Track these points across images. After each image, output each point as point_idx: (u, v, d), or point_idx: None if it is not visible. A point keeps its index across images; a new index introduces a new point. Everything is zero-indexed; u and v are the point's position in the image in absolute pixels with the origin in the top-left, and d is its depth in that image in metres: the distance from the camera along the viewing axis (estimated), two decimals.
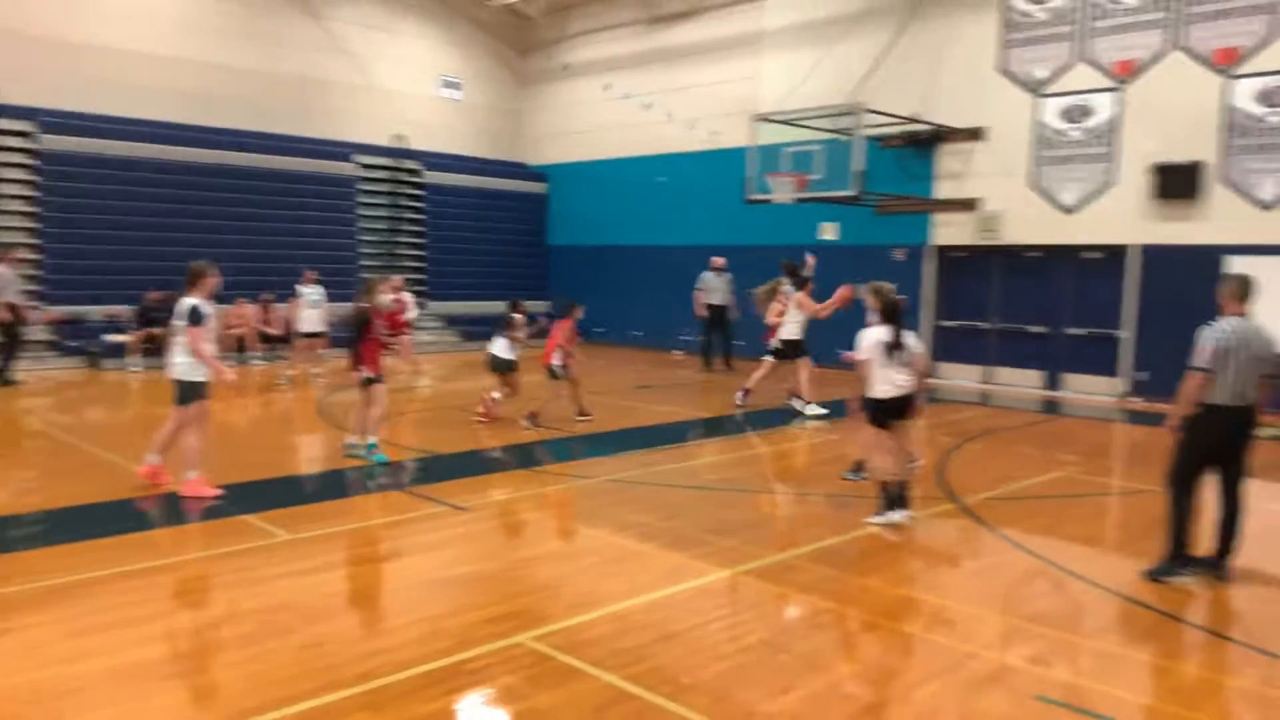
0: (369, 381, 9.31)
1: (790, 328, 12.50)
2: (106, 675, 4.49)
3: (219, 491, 7.84)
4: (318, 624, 5.14)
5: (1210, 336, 6.08)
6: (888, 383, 7.32)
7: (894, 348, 7.28)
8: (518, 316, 11.59)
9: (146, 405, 13.30)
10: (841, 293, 11.67)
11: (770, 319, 12.70)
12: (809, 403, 12.35)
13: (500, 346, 11.47)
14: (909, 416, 7.55)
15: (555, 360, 11.34)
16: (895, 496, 7.39)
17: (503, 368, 11.49)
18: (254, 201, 19.20)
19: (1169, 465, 6.28)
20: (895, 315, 7.41)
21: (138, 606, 5.38)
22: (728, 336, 17.62)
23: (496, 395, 11.49)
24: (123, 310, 16.81)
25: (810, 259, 13.31)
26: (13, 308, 14.05)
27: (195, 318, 7.86)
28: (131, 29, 18.28)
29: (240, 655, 4.74)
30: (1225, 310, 6.36)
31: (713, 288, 17.44)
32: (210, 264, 8.14)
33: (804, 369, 12.42)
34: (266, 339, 17.88)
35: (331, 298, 15.87)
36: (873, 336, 7.36)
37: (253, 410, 13.10)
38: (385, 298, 9.65)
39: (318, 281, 15.54)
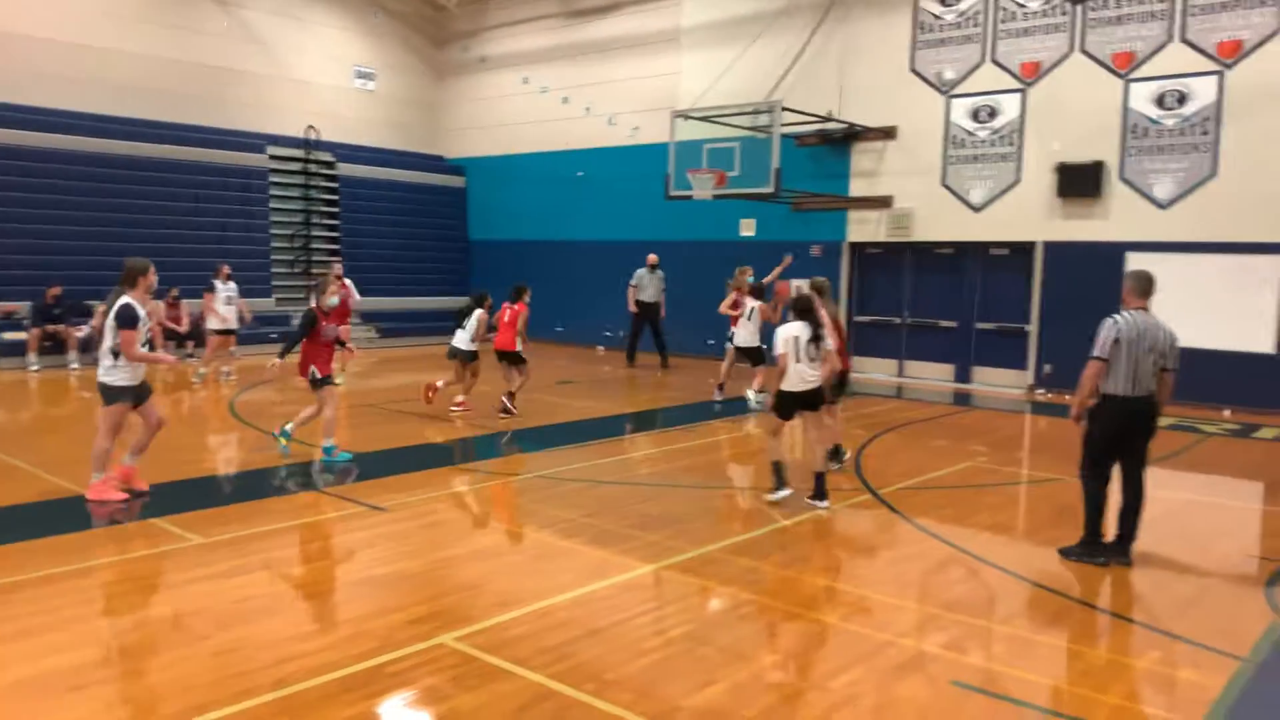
0: (319, 383, 9.11)
1: (748, 335, 12.81)
2: (11, 688, 4.30)
3: (125, 495, 7.57)
4: (232, 629, 5.01)
5: (1109, 327, 6.35)
6: (798, 376, 7.63)
7: (810, 342, 7.58)
8: (482, 312, 11.65)
9: (46, 406, 12.78)
10: (780, 289, 12.03)
11: (722, 309, 13.13)
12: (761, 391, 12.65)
13: (462, 339, 11.57)
14: (818, 409, 7.87)
15: (519, 346, 11.72)
16: (782, 478, 7.87)
17: (465, 357, 11.65)
18: (162, 194, 18.58)
19: (1080, 456, 6.57)
20: (807, 312, 7.67)
21: (44, 615, 5.16)
22: (660, 334, 17.61)
23: (440, 383, 11.79)
24: (19, 306, 16.11)
25: (787, 259, 13.97)
26: None
27: (129, 319, 7.37)
28: (34, 14, 17.49)
29: (152, 663, 4.59)
30: (1127, 304, 6.59)
31: (645, 284, 17.44)
32: (147, 260, 7.79)
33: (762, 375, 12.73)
34: (173, 336, 17.33)
35: (243, 293, 15.48)
36: (786, 332, 7.64)
37: (163, 410, 12.66)
38: (332, 299, 9.45)
39: (230, 277, 14.97)
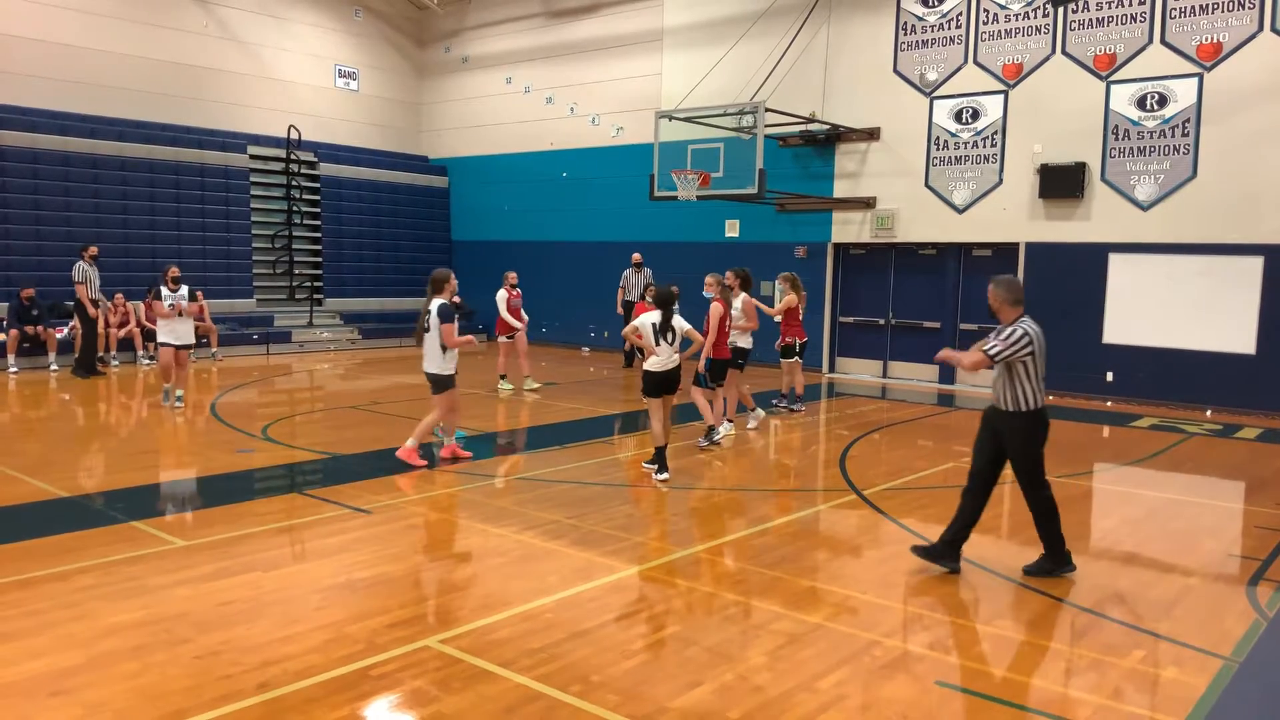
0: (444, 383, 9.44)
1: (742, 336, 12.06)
2: None
3: (424, 463, 8.91)
4: (214, 633, 4.96)
5: (1022, 337, 5.97)
6: (659, 358, 8.91)
7: (663, 329, 8.87)
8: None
9: (25, 408, 12.65)
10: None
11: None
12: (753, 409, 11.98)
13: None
14: (674, 391, 9.10)
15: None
16: (661, 457, 8.81)
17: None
18: (142, 194, 18.47)
19: (1026, 478, 6.20)
20: (665, 303, 8.98)
21: (21, 620, 5.10)
22: None
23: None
24: None
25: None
26: None
27: (449, 315, 8.91)
28: (9, 11, 17.32)
29: (132, 668, 4.54)
30: (1002, 315, 6.18)
31: (632, 284, 17.41)
32: (449, 270, 9.19)
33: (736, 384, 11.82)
34: (153, 337, 17.21)
35: (226, 294, 15.36)
36: (646, 319, 8.97)
37: (141, 411, 12.58)
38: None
39: (181, 280, 12.33)
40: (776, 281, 12.98)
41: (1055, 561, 6.21)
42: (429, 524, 7.40)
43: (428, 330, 8.94)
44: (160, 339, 12.26)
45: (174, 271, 12.29)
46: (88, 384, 14.36)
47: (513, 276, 14.50)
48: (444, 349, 8.91)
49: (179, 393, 12.16)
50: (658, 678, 4.57)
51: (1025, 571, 6.23)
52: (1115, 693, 4.55)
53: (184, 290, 12.12)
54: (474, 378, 14.84)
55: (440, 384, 9.11)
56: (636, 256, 17.62)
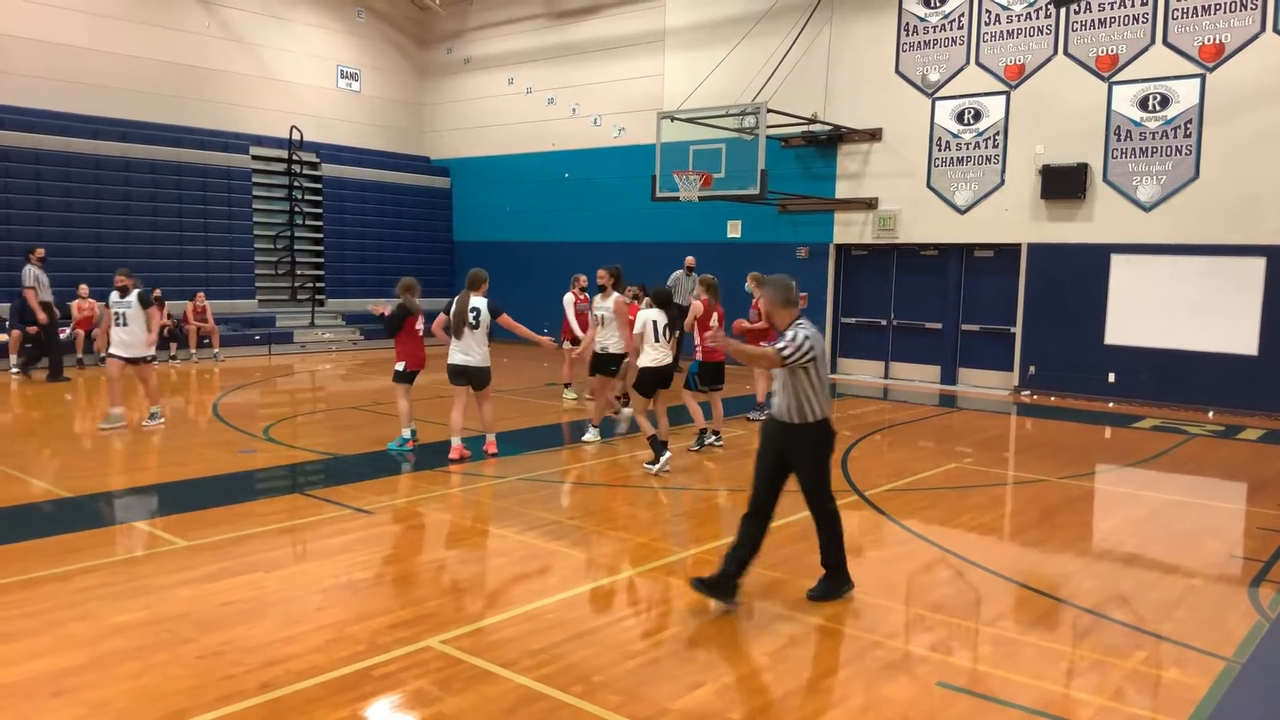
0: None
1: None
2: None
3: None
4: (216, 633, 4.97)
5: (804, 340, 5.42)
6: (656, 355, 9.23)
7: (666, 326, 9.20)
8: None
9: (28, 409, 12.66)
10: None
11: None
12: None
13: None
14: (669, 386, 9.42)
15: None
16: (660, 448, 9.06)
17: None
18: (145, 195, 18.47)
19: (817, 492, 5.66)
20: (665, 303, 9.30)
21: (24, 620, 5.11)
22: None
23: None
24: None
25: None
26: None
27: (498, 310, 9.30)
28: (10, 11, 17.33)
29: (134, 668, 4.55)
30: (773, 319, 5.71)
31: (685, 288, 16.38)
32: (485, 271, 9.38)
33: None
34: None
35: (228, 295, 15.35)
36: (646, 317, 9.16)
37: (141, 411, 12.59)
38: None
39: (130, 288, 10.82)
40: (748, 283, 12.19)
41: (838, 581, 5.75)
42: (430, 525, 7.40)
43: (475, 327, 9.08)
44: (110, 350, 10.91)
45: (119, 279, 10.83)
46: (56, 388, 14.14)
47: (582, 280, 13.41)
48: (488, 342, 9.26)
49: (155, 409, 11.02)
50: (659, 678, 4.57)
51: (809, 596, 5.70)
52: (1117, 694, 4.54)
53: (133, 298, 10.66)
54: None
55: (487, 377, 9.34)
56: (690, 260, 16.70)
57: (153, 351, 11.03)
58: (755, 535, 5.58)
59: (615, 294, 10.62)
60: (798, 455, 5.55)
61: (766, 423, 5.73)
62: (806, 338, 5.39)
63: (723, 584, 5.52)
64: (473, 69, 23.09)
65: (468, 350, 9.18)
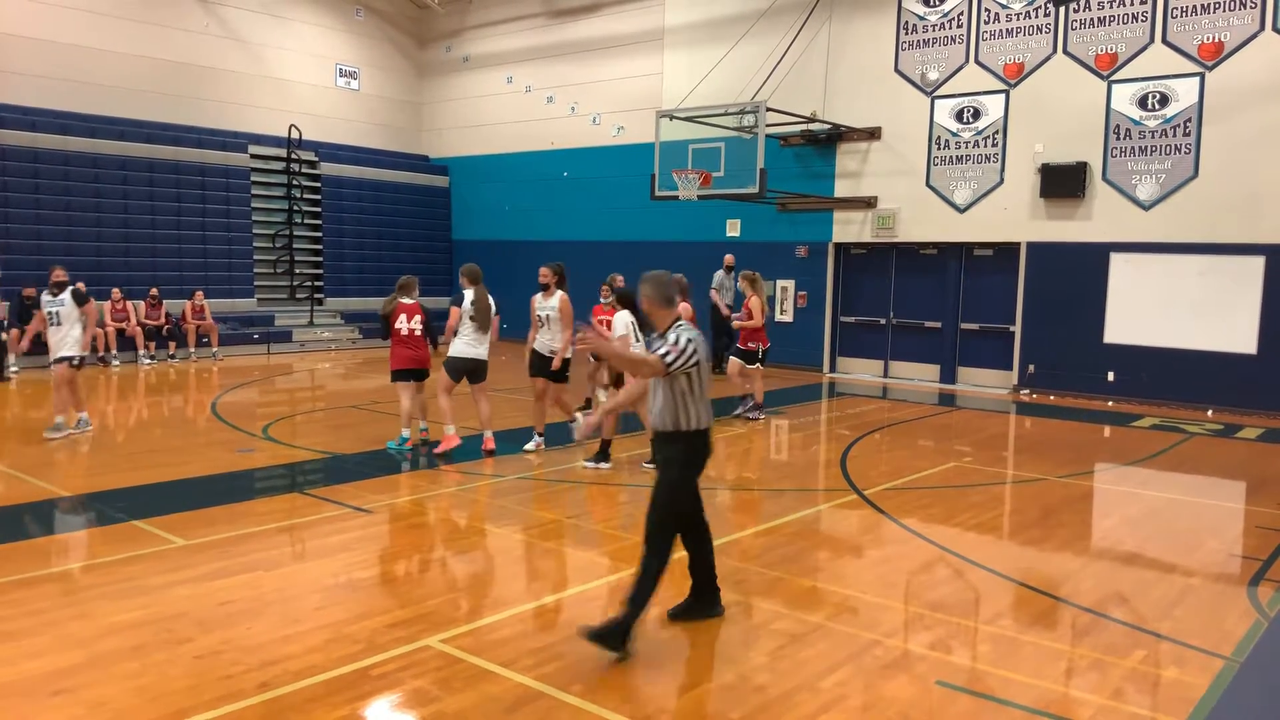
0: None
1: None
2: None
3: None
4: (215, 632, 4.96)
5: (687, 344, 4.92)
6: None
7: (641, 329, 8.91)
8: None
9: (26, 408, 12.64)
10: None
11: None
12: None
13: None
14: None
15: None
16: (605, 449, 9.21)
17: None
18: (143, 193, 18.45)
19: (655, 513, 5.01)
20: (634, 303, 8.81)
21: (23, 619, 5.10)
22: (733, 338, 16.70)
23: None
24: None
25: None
26: None
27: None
28: (9, 11, 17.30)
29: (133, 667, 4.54)
30: (654, 319, 5.15)
31: (726, 288, 16.18)
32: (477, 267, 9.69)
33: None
34: (153, 336, 17.21)
35: (227, 294, 15.33)
36: (626, 319, 8.95)
37: (140, 410, 12.57)
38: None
39: (64, 285, 10.25)
40: (738, 282, 12.06)
41: (705, 603, 5.34)
42: (429, 523, 7.40)
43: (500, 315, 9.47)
44: (62, 353, 10.17)
45: (55, 274, 10.29)
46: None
47: (619, 280, 12.90)
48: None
49: (82, 415, 10.39)
50: (659, 677, 4.57)
51: (670, 616, 5.28)
52: (1116, 693, 4.54)
53: (66, 296, 10.07)
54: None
55: (487, 370, 9.57)
56: (729, 258, 16.44)
57: (84, 353, 10.22)
58: (701, 548, 5.30)
59: (560, 292, 9.84)
60: (660, 465, 5.11)
61: (653, 435, 5.22)
62: (689, 340, 4.91)
63: (697, 607, 5.30)
64: (471, 67, 23.07)
65: (479, 343, 9.33)
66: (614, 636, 4.74)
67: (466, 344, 9.32)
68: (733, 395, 12.81)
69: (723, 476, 9.27)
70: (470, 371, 9.40)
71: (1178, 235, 13.85)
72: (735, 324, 12.07)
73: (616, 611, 4.85)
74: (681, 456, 5.01)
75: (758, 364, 12.13)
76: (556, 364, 9.60)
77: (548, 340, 9.74)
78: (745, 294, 12.09)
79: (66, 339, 10.06)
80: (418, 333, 9.71)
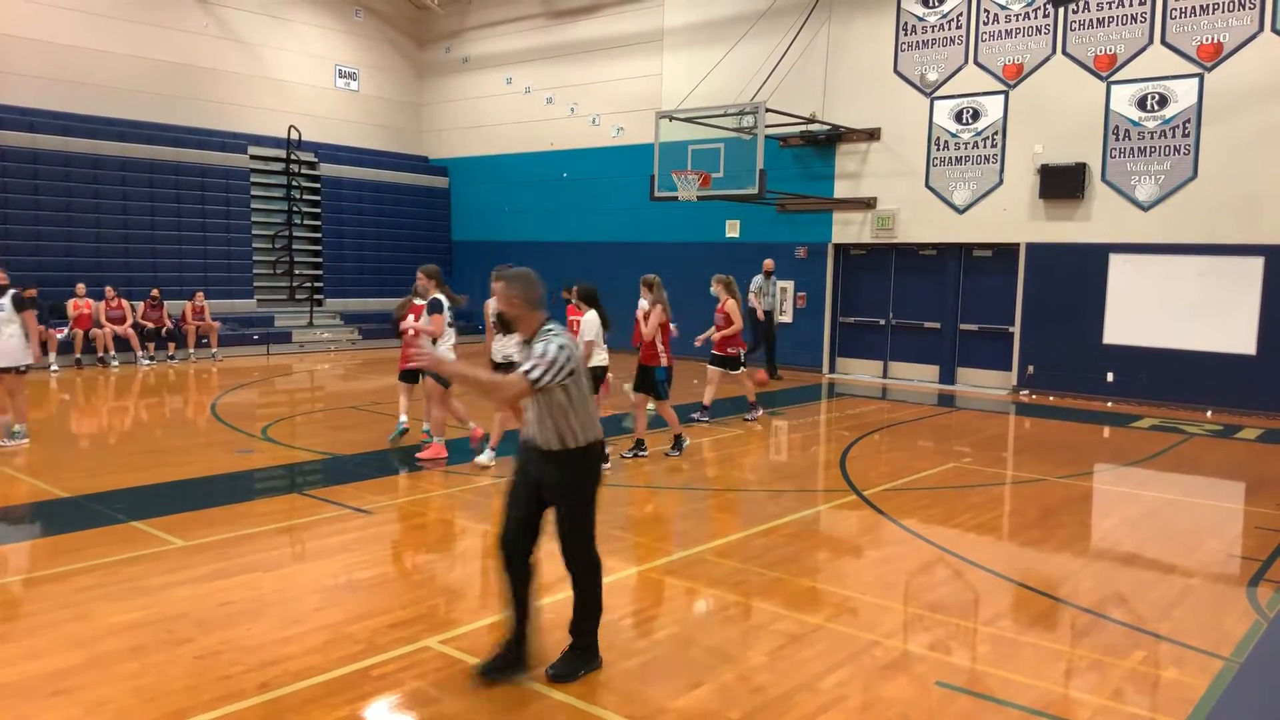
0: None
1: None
2: None
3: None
4: (214, 633, 4.96)
5: (562, 352, 4.31)
6: (604, 353, 9.08)
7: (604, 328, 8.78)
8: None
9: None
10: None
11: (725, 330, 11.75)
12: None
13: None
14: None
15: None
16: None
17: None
18: (143, 194, 18.45)
19: (575, 538, 4.50)
20: (596, 300, 8.83)
21: (24, 619, 5.11)
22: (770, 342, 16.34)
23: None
24: None
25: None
26: None
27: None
28: (9, 11, 17.30)
29: (132, 668, 4.54)
30: (520, 325, 4.53)
31: (767, 291, 16.03)
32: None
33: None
34: (152, 337, 17.21)
35: (227, 294, 15.32)
36: (594, 320, 8.67)
37: (138, 411, 12.57)
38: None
39: (2, 287, 9.68)
40: (712, 285, 11.70)
41: (583, 660, 4.58)
42: (429, 524, 7.40)
43: None
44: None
45: None
46: None
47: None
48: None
49: (16, 429, 9.73)
50: (658, 678, 4.57)
51: (548, 674, 4.50)
52: (1116, 693, 4.54)
53: (6, 300, 9.54)
54: None
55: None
56: (769, 263, 16.15)
57: (30, 360, 9.71)
58: (521, 587, 4.53)
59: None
60: (554, 491, 4.46)
61: (523, 447, 4.59)
62: (561, 348, 4.29)
63: (507, 662, 4.50)
64: (471, 68, 23.07)
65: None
66: (585, 658, 4.57)
67: (450, 350, 9.19)
68: (728, 397, 12.81)
69: (723, 477, 9.27)
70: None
71: (1177, 236, 13.86)
72: (715, 335, 11.68)
73: (571, 640, 4.59)
74: (570, 476, 4.45)
75: (741, 369, 11.78)
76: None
77: (499, 346, 9.10)
78: (719, 297, 11.60)
79: (11, 348, 9.53)
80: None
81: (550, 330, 4.41)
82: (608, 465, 9.13)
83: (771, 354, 16.25)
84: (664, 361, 9.72)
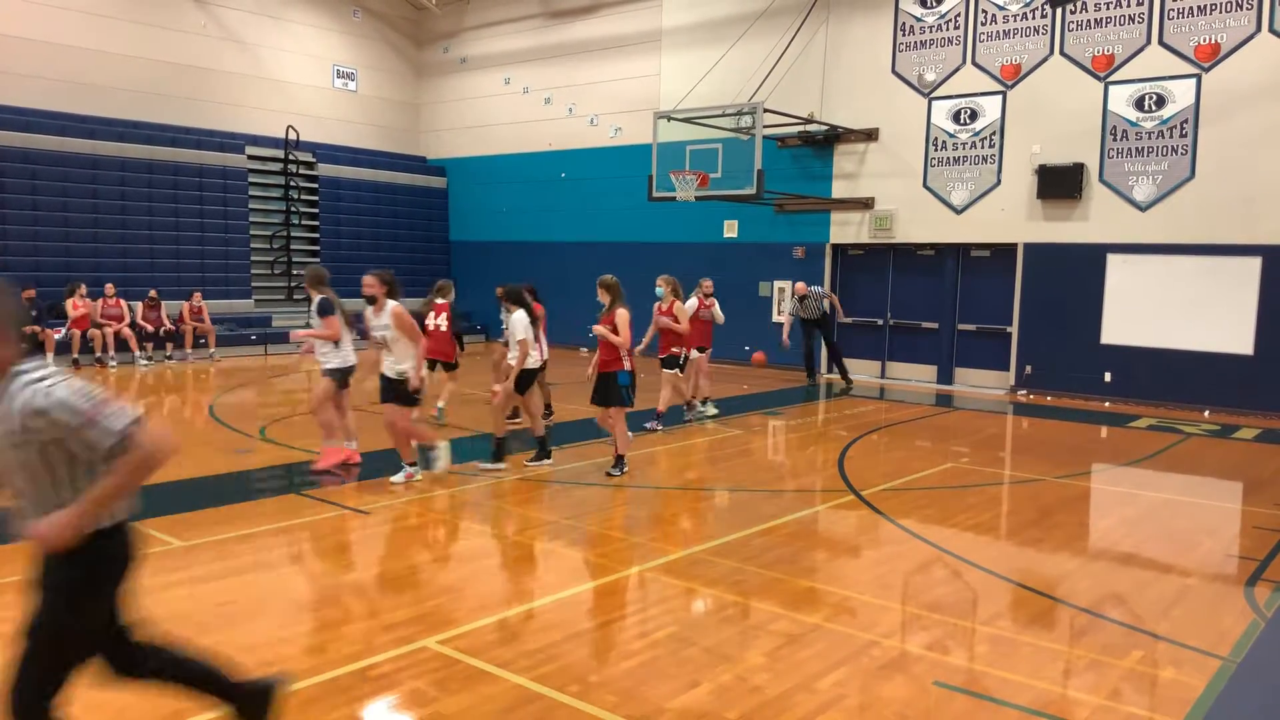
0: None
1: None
2: None
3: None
4: (212, 634, 4.95)
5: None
6: (538, 355, 9.32)
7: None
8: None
9: None
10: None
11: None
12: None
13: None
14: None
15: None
16: (543, 445, 9.25)
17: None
18: (140, 195, 18.43)
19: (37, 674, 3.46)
20: (524, 300, 9.11)
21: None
22: (836, 346, 16.19)
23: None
24: None
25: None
26: None
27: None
28: (9, 11, 17.28)
29: None
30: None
31: (813, 296, 15.72)
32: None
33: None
34: (151, 338, 17.19)
35: (224, 295, 15.32)
36: (525, 320, 8.91)
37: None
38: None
39: None
40: (658, 284, 11.33)
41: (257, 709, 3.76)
42: (427, 525, 7.39)
43: None
44: None
45: None
46: None
47: (706, 285, 12.36)
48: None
49: None
50: (656, 678, 4.57)
51: None
52: (1114, 693, 4.55)
53: None
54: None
55: None
56: (800, 286, 15.69)
57: None
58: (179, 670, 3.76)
59: (391, 302, 8.72)
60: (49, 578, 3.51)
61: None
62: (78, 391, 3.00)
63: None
64: (469, 68, 23.07)
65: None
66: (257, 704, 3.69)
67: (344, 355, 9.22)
68: (730, 396, 12.81)
69: (721, 477, 9.27)
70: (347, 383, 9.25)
71: (1174, 236, 13.87)
72: (661, 324, 11.20)
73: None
74: (99, 558, 3.46)
75: (677, 369, 11.37)
76: (415, 384, 8.31)
77: (391, 361, 8.42)
78: (666, 299, 11.20)
79: None
80: (442, 328, 11.17)
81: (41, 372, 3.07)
82: (549, 460, 9.24)
83: (840, 363, 15.96)
84: (628, 365, 8.89)
